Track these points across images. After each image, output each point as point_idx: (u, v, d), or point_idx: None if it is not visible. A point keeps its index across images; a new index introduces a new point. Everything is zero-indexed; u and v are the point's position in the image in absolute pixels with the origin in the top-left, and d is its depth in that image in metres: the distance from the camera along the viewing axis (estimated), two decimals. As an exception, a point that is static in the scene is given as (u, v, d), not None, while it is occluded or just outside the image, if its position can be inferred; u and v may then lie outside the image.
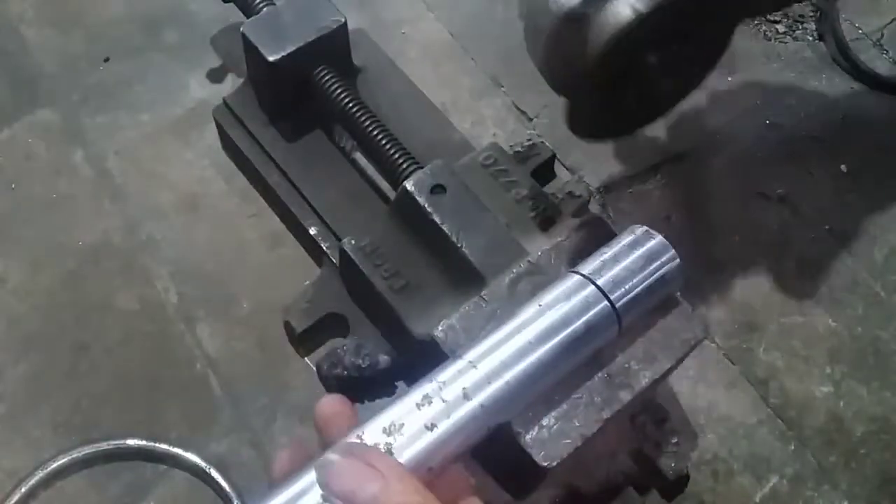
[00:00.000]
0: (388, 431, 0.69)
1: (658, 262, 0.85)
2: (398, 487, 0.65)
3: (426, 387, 0.74)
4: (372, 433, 0.69)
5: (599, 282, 0.82)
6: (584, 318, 0.80)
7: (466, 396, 0.75)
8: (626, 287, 0.83)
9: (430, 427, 0.71)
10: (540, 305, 0.81)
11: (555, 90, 0.93)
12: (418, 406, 0.72)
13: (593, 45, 0.83)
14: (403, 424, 0.70)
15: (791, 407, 1.09)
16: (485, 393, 0.75)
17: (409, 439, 0.70)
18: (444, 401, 0.73)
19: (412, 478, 0.66)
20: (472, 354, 0.77)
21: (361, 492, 0.64)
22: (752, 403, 1.09)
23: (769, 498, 1.03)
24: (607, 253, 0.85)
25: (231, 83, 1.30)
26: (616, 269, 0.83)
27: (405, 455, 0.69)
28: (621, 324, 0.82)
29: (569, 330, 0.80)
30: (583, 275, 0.83)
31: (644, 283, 0.84)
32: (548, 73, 0.92)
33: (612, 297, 0.82)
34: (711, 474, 1.04)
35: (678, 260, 0.86)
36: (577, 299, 0.81)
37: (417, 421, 0.71)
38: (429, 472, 0.71)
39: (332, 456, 0.65)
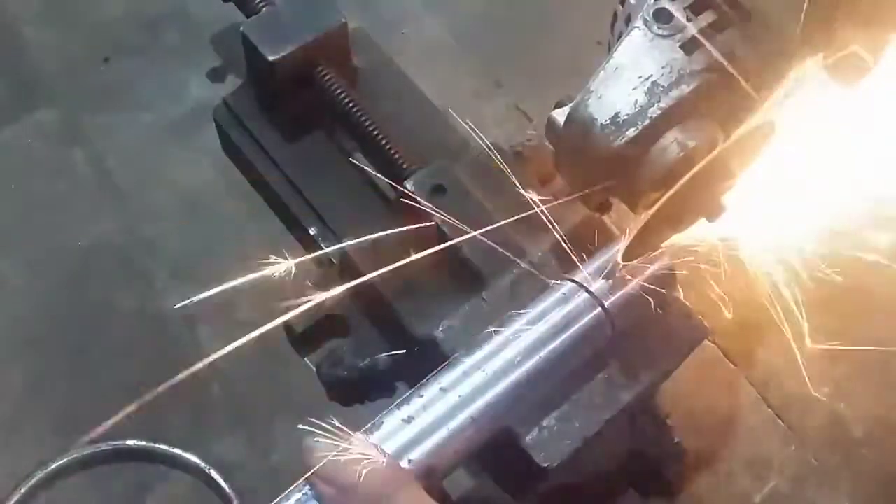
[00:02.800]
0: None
1: (651, 267, 0.86)
2: (380, 471, 0.66)
3: (421, 396, 0.75)
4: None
5: (592, 288, 0.83)
6: (577, 325, 0.81)
7: (461, 406, 0.75)
8: (620, 293, 0.83)
9: (426, 435, 0.72)
10: (534, 313, 0.82)
11: (584, 204, 0.95)
12: (408, 420, 0.73)
13: (643, 181, 0.85)
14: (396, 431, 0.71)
15: (791, 407, 1.09)
16: (480, 401, 0.76)
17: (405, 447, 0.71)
18: (438, 411, 0.74)
19: (395, 462, 0.67)
20: (466, 364, 0.78)
21: (345, 473, 0.65)
22: (752, 403, 1.09)
23: (769, 498, 1.03)
24: (601, 259, 0.85)
25: (231, 83, 1.30)
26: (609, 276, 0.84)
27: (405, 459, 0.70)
28: (615, 329, 0.83)
29: (562, 337, 0.80)
30: (576, 281, 0.83)
31: (637, 289, 0.84)
32: (580, 194, 0.93)
33: (605, 304, 0.82)
34: (711, 474, 1.04)
35: (671, 264, 0.87)
36: (570, 306, 0.82)
37: (411, 429, 0.72)
38: (427, 475, 0.71)
39: (317, 440, 0.66)
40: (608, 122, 0.84)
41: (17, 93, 1.31)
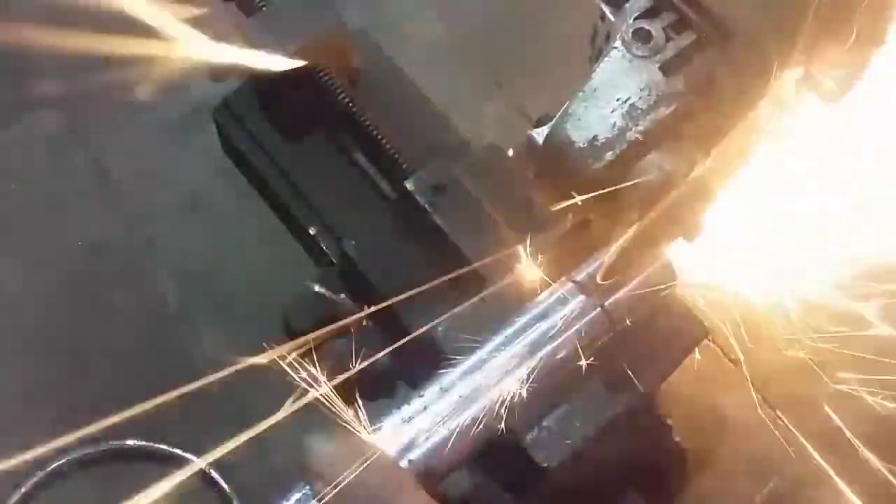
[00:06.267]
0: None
1: (651, 268, 0.86)
2: (380, 471, 0.66)
3: (421, 396, 0.75)
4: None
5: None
6: (577, 325, 0.81)
7: (461, 406, 0.75)
8: (620, 293, 0.83)
9: (426, 435, 0.72)
10: (534, 313, 0.82)
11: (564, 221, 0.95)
12: (408, 420, 0.73)
13: (621, 203, 0.85)
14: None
15: (791, 407, 1.09)
16: (478, 404, 0.76)
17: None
18: (438, 411, 0.74)
19: (395, 462, 0.68)
20: (466, 364, 0.78)
21: (344, 473, 0.65)
22: (752, 403, 1.09)
23: (769, 498, 1.03)
24: (600, 259, 0.85)
25: (231, 83, 1.30)
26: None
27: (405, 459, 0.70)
28: (615, 329, 0.83)
29: (563, 336, 0.80)
30: (576, 282, 0.84)
31: (637, 289, 0.84)
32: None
33: (604, 304, 0.82)
34: (711, 474, 1.04)
35: (671, 264, 0.87)
36: (570, 307, 0.82)
37: (411, 429, 0.72)
38: (427, 475, 0.72)
39: (318, 440, 0.67)
40: (586, 145, 0.83)
41: (17, 93, 1.31)
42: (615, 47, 0.85)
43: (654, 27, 0.85)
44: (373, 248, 1.01)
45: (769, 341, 1.12)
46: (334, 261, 1.08)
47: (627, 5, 0.87)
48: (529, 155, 0.91)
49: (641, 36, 0.84)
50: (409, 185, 1.00)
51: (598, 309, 0.82)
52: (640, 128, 0.82)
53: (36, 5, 1.39)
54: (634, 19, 0.85)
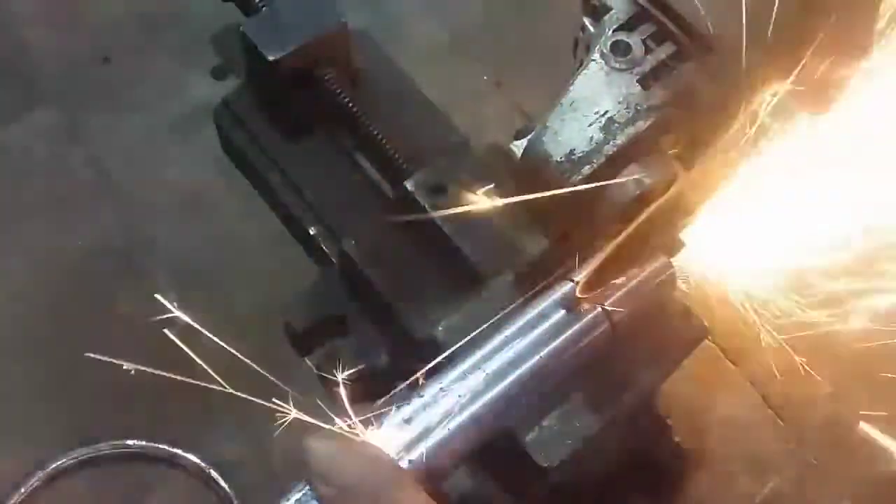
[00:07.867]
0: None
1: (651, 268, 0.86)
2: (380, 471, 0.66)
3: (421, 396, 0.75)
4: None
5: None
6: (577, 325, 0.81)
7: (461, 406, 0.75)
8: (620, 293, 0.83)
9: (426, 435, 0.72)
10: (534, 313, 0.82)
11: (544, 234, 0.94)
12: (408, 420, 0.73)
13: (599, 217, 0.85)
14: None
15: (791, 407, 1.09)
16: (480, 401, 0.76)
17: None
18: (438, 411, 0.74)
19: (395, 462, 0.68)
20: (467, 363, 0.78)
21: (345, 473, 0.65)
22: (752, 403, 1.09)
23: (769, 498, 1.03)
24: (600, 259, 0.85)
25: (231, 83, 1.30)
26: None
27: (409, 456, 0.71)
28: (615, 329, 0.83)
29: (562, 337, 0.81)
30: (576, 281, 0.84)
31: (637, 289, 0.84)
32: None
33: (605, 304, 0.82)
34: (711, 474, 1.04)
35: (671, 264, 0.87)
36: (570, 306, 0.82)
37: (411, 429, 0.72)
38: (427, 475, 0.72)
39: (319, 440, 0.67)
40: (563, 159, 0.82)
41: (17, 93, 1.31)
42: (593, 60, 0.84)
43: (633, 39, 0.84)
44: (373, 248, 1.01)
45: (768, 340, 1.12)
46: (334, 261, 1.08)
47: (606, 17, 0.86)
48: (507, 168, 0.90)
49: (620, 48, 0.83)
50: (409, 185, 1.00)
51: (599, 309, 0.82)
52: (618, 141, 0.81)
53: (36, 5, 1.40)
54: (613, 31, 0.84)
